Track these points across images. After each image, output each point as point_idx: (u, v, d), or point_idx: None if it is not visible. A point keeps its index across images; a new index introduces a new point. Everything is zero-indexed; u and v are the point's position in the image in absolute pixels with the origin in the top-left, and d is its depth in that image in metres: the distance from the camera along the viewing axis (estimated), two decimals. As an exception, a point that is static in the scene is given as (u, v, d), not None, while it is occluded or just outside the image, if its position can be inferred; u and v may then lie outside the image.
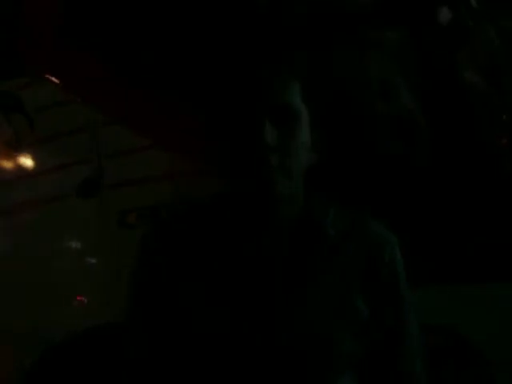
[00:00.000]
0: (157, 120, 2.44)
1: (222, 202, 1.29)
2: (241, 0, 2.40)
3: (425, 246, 2.23)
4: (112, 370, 1.30)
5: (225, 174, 1.27)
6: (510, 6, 2.48)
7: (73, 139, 2.48)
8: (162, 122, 2.43)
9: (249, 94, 1.20)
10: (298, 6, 2.32)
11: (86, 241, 2.50)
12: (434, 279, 2.23)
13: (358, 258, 1.25)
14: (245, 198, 1.24)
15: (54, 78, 2.53)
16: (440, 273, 2.27)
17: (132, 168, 2.44)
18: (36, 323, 2.40)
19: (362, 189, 2.25)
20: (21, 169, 2.51)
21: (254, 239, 1.25)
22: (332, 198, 1.30)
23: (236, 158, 1.21)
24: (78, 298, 2.48)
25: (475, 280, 2.32)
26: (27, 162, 2.51)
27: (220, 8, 2.39)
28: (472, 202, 2.34)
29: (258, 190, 1.19)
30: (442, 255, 2.30)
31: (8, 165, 2.51)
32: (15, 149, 2.51)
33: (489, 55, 2.40)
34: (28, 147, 2.51)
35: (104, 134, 2.46)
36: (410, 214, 2.27)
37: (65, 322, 2.41)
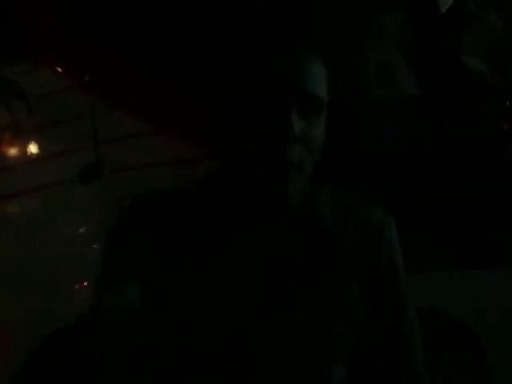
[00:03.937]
0: (158, 106, 2.43)
1: (211, 188, 1.19)
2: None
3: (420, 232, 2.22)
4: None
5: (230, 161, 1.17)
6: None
7: (73, 125, 2.48)
8: (163, 108, 2.43)
9: (273, 78, 1.07)
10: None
11: (86, 227, 2.49)
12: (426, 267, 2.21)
13: (356, 248, 1.19)
14: (242, 187, 1.14)
15: (54, 64, 2.52)
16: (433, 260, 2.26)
17: (134, 154, 2.44)
18: (36, 311, 2.40)
19: (360, 176, 2.24)
20: (20, 155, 2.50)
21: (247, 229, 1.16)
22: (328, 183, 1.24)
23: (244, 146, 1.10)
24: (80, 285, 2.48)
25: (466, 266, 2.32)
26: (27, 148, 2.50)
27: None
28: (469, 188, 2.33)
29: (265, 187, 1.09)
30: (435, 242, 2.29)
31: (8, 151, 2.50)
32: (15, 135, 2.50)
33: (492, 40, 2.39)
34: (28, 134, 2.50)
35: (106, 120, 2.46)
36: (406, 201, 2.25)
37: (66, 309, 2.41)
